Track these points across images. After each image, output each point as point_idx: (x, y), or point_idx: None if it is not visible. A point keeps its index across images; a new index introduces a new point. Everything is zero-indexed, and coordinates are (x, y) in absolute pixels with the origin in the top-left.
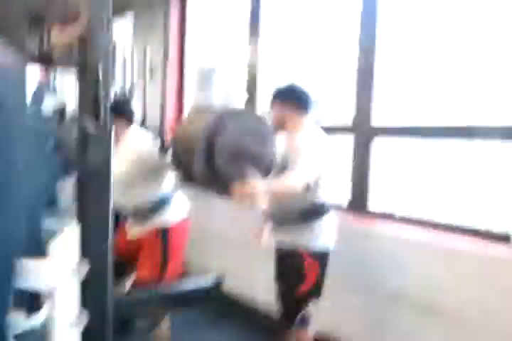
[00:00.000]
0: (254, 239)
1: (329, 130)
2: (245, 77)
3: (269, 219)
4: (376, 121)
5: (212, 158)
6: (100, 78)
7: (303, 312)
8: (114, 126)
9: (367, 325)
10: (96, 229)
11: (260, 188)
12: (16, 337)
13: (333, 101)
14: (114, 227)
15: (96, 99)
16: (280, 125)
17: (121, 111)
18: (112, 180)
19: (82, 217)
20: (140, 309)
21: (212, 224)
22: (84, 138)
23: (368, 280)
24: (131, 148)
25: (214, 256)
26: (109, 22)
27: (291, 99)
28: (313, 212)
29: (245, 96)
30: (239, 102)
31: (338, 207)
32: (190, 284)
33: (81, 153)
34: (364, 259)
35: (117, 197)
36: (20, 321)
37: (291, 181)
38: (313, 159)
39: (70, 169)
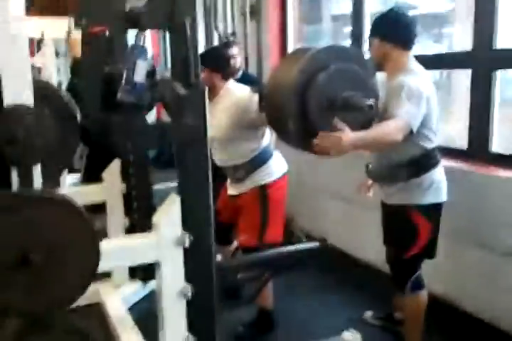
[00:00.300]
0: (360, 194)
1: (439, 60)
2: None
3: (373, 176)
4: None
5: (305, 117)
6: (188, 38)
7: (415, 275)
8: (208, 80)
9: (481, 284)
10: (196, 198)
11: (346, 140)
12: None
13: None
14: (216, 188)
15: (186, 61)
16: (380, 65)
17: (215, 65)
18: (208, 143)
19: (182, 186)
20: (243, 275)
21: (316, 179)
22: (177, 101)
23: (486, 236)
24: (228, 104)
25: (319, 212)
26: None
27: (391, 34)
28: (420, 164)
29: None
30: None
31: (453, 151)
32: (292, 248)
33: (175, 117)
34: (484, 211)
35: (215, 155)
36: (136, 290)
37: (389, 129)
38: (416, 100)
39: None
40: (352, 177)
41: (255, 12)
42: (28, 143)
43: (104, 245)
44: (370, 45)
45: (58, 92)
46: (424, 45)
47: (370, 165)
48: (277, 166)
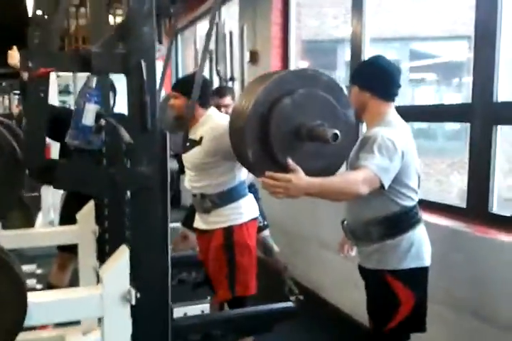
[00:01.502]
0: (339, 252)
1: (437, 113)
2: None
3: (347, 234)
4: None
5: (266, 145)
6: (146, 82)
7: None
8: (188, 109)
9: None
10: (148, 250)
11: (298, 184)
12: None
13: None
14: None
15: (142, 105)
16: (359, 114)
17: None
18: (166, 198)
19: (133, 236)
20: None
21: (308, 228)
22: (128, 147)
23: (485, 306)
24: (205, 129)
25: (312, 262)
26: (150, 17)
27: (372, 85)
28: (396, 223)
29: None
30: None
31: (450, 209)
32: (264, 309)
33: (131, 163)
34: (483, 278)
35: (188, 180)
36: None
37: (354, 179)
38: (388, 154)
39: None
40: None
41: (254, 57)
42: None
43: (46, 297)
44: (350, 92)
45: (3, 135)
46: (443, 93)
47: (345, 222)
48: (247, 209)
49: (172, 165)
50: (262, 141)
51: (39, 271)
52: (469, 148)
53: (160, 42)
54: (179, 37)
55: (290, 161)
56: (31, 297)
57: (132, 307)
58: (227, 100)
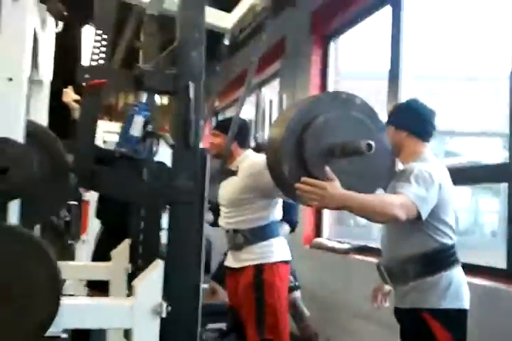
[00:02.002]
0: (373, 302)
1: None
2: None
3: (384, 274)
4: None
5: (301, 163)
6: (192, 102)
7: None
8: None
9: None
10: (183, 264)
11: (333, 193)
12: None
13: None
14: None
15: (186, 123)
16: (395, 153)
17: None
18: (203, 213)
19: (169, 250)
20: None
21: (328, 293)
22: (172, 161)
23: None
24: (242, 167)
25: (355, 335)
26: (200, 44)
27: (408, 124)
28: (436, 260)
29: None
30: None
31: (491, 270)
32: None
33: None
34: None
35: (221, 218)
36: None
37: (392, 201)
38: (425, 185)
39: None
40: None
41: None
42: (10, 175)
43: (78, 303)
44: (387, 133)
45: (53, 139)
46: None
47: (381, 263)
48: (279, 249)
49: (208, 217)
50: (298, 159)
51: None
52: (508, 207)
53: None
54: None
55: (328, 170)
56: (63, 300)
57: (162, 320)
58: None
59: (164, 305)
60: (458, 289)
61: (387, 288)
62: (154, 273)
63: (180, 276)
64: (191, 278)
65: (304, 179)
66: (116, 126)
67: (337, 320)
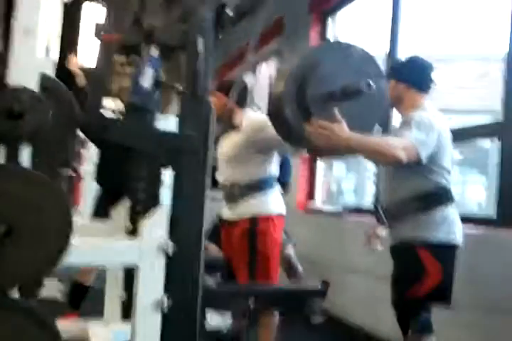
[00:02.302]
0: (366, 245)
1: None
2: None
3: (382, 215)
4: None
5: (303, 106)
6: (200, 55)
7: (422, 317)
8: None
9: None
10: (188, 208)
11: (341, 133)
12: None
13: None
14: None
15: (195, 74)
16: (395, 106)
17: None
18: (209, 158)
19: (174, 196)
20: (230, 302)
21: (330, 253)
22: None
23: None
24: (243, 124)
25: (336, 288)
26: (210, 2)
27: (407, 77)
28: (432, 199)
29: None
30: None
31: (481, 220)
32: (291, 287)
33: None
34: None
35: (218, 174)
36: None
37: (394, 143)
38: (425, 129)
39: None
40: (366, 250)
41: None
42: (25, 121)
43: (85, 242)
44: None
45: (64, 90)
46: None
47: (379, 205)
48: (274, 202)
49: None
50: (300, 103)
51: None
52: (501, 165)
53: None
54: None
55: (336, 112)
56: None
57: (168, 259)
58: None
59: (170, 243)
60: (451, 225)
61: (380, 231)
62: (160, 214)
63: (185, 221)
64: (195, 222)
65: (313, 120)
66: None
67: (331, 276)
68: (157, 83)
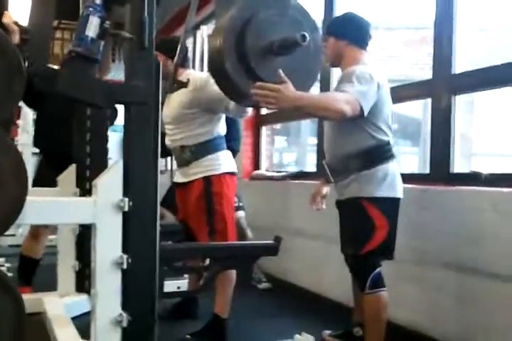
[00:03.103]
0: (312, 205)
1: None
2: None
3: (328, 172)
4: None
5: (244, 60)
6: (146, 7)
7: (374, 273)
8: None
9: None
10: (140, 163)
11: (288, 94)
12: None
13: None
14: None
15: (141, 25)
16: (335, 63)
17: (172, 52)
18: (158, 114)
19: (127, 150)
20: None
21: (274, 217)
22: (129, 61)
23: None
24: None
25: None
26: None
27: (347, 33)
28: (373, 155)
29: None
30: None
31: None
32: (246, 244)
33: (126, 78)
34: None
35: (167, 136)
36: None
37: (338, 97)
38: (366, 83)
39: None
40: (312, 213)
41: None
42: None
43: (44, 201)
44: (326, 44)
45: (7, 40)
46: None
47: (324, 162)
48: (225, 161)
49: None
50: (239, 56)
51: (8, 264)
52: (431, 119)
53: None
54: None
55: (280, 72)
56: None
57: (124, 215)
58: None
59: (126, 200)
60: (393, 180)
61: (325, 190)
62: (114, 171)
63: (138, 175)
64: (149, 176)
65: (258, 84)
66: None
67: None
68: (103, 32)
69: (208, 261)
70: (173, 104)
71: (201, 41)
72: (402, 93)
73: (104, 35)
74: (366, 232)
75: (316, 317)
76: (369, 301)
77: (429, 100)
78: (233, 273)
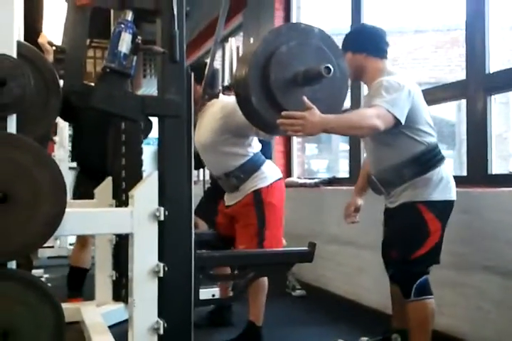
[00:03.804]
0: (346, 219)
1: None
2: None
3: (378, 183)
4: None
5: (269, 92)
6: (176, 22)
7: (422, 279)
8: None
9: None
10: (175, 173)
11: (313, 120)
12: None
13: None
14: (216, 203)
15: (172, 40)
16: (358, 77)
17: (200, 78)
18: (191, 126)
19: (161, 161)
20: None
21: (308, 225)
22: (161, 75)
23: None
24: (215, 110)
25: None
26: None
27: (363, 46)
28: (425, 160)
29: None
30: None
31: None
32: (281, 250)
33: (159, 91)
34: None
35: (207, 164)
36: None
37: (366, 113)
38: (396, 92)
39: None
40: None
41: None
42: (8, 88)
43: (84, 212)
44: (346, 59)
45: (43, 59)
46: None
47: (373, 176)
48: (271, 172)
49: None
50: (265, 91)
51: (46, 275)
52: (467, 120)
53: None
54: None
55: (305, 99)
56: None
57: (159, 224)
58: None
59: (162, 209)
60: (447, 182)
61: (359, 203)
62: (150, 182)
63: (173, 185)
64: (184, 186)
65: (283, 113)
66: None
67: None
68: (135, 47)
69: (236, 270)
70: (204, 132)
71: (230, 53)
72: (435, 95)
73: (137, 51)
74: (419, 237)
75: (352, 324)
76: (415, 309)
77: (463, 101)
78: (265, 280)
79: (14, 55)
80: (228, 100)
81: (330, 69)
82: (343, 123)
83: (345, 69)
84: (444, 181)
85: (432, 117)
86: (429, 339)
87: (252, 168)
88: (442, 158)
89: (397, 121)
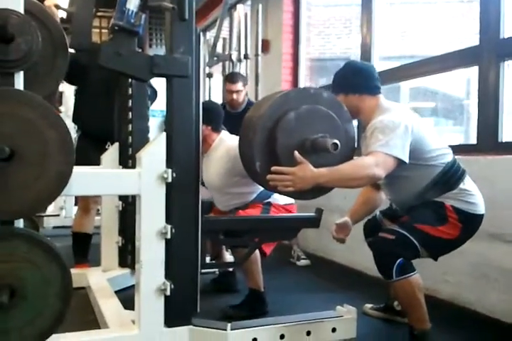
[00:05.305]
0: (336, 235)
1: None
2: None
3: (397, 211)
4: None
5: (274, 158)
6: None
7: (399, 260)
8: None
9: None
10: (183, 136)
11: (304, 175)
12: None
13: None
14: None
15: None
16: (353, 115)
17: (205, 117)
18: (199, 87)
19: (169, 122)
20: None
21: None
22: (169, 34)
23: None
24: (220, 154)
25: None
26: None
27: (353, 86)
28: (446, 180)
29: None
30: None
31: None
32: (287, 216)
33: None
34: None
35: (217, 202)
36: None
37: (363, 163)
38: (393, 132)
39: None
40: (351, 191)
41: (266, 45)
42: (16, 44)
43: (91, 173)
44: (339, 100)
45: (49, 16)
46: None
47: (393, 204)
48: (283, 198)
49: None
50: (270, 155)
51: None
52: (478, 87)
53: None
54: None
55: (296, 154)
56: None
57: (167, 186)
58: (239, 86)
59: (170, 171)
60: (472, 197)
61: (351, 227)
62: (158, 143)
63: (181, 147)
64: (191, 148)
65: (273, 168)
66: None
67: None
68: (143, 4)
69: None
70: (212, 175)
71: (238, 21)
72: (447, 62)
73: (145, 8)
74: (435, 218)
75: (356, 292)
76: (401, 287)
77: (472, 76)
78: (256, 252)
79: (21, 10)
80: (232, 142)
81: (337, 146)
82: (338, 175)
83: (353, 134)
84: (469, 196)
85: (442, 93)
86: (425, 312)
87: (262, 199)
88: (463, 173)
89: (400, 161)
